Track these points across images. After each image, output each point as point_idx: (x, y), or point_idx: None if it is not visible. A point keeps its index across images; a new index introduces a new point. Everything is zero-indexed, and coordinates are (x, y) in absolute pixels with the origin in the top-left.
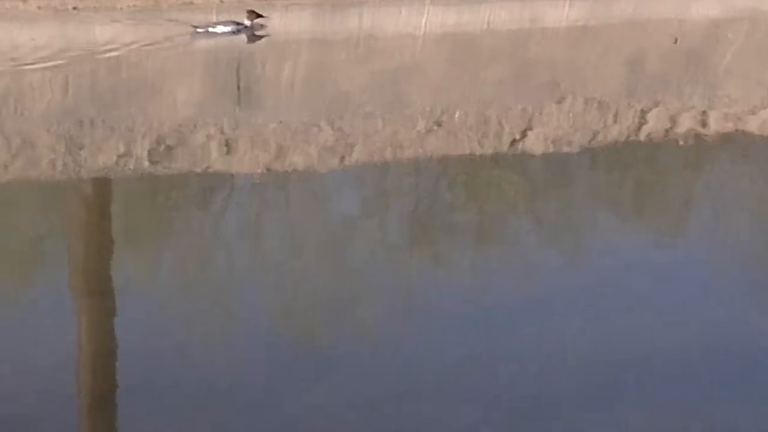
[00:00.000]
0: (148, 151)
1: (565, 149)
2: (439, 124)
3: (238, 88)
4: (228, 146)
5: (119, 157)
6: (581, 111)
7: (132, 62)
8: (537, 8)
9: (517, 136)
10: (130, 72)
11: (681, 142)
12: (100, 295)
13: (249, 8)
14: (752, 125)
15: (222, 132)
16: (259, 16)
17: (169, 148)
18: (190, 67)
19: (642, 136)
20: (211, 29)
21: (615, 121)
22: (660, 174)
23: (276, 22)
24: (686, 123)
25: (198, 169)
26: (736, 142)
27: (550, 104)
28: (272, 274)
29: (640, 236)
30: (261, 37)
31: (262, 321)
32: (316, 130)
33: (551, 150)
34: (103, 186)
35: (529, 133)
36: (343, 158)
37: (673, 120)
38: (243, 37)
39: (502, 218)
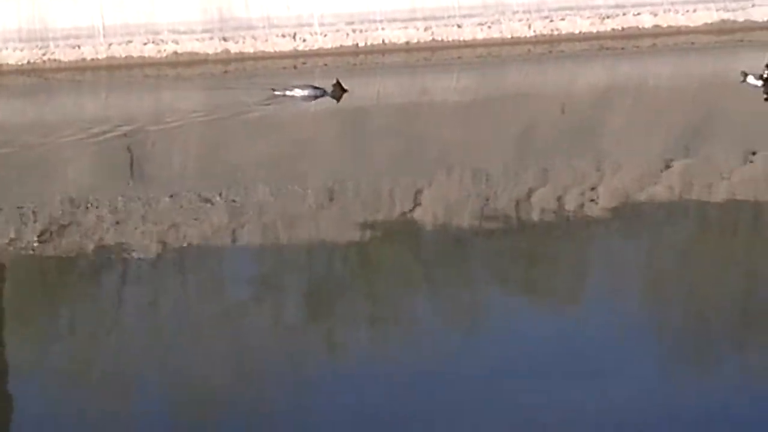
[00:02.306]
0: None
1: (455, 220)
2: (331, 199)
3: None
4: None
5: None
6: (470, 182)
7: None
8: (426, 80)
9: (408, 208)
10: None
11: (569, 211)
12: None
13: (337, 79)
14: (639, 193)
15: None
16: (344, 90)
17: None
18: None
19: (531, 206)
20: (288, 92)
21: (504, 191)
22: (548, 244)
23: (168, 98)
24: (575, 192)
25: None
26: (623, 210)
27: (440, 175)
28: (163, 355)
29: (532, 307)
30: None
31: (154, 401)
32: (209, 205)
33: (441, 221)
34: None
35: (418, 204)
36: (234, 234)
37: (562, 190)
38: None
39: (393, 292)
